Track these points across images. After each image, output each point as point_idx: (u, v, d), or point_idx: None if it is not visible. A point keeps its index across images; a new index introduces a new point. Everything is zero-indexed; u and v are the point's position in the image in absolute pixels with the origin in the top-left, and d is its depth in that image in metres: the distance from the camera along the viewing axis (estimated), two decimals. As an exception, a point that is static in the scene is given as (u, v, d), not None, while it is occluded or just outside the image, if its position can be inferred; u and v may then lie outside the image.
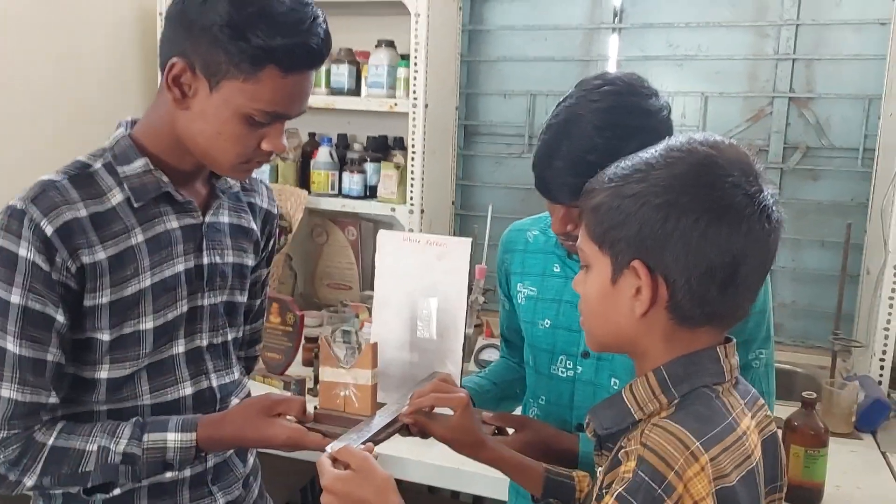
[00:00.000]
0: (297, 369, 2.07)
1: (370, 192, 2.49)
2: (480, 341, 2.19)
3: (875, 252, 2.09)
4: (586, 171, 1.07)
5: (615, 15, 2.53)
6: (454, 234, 2.69)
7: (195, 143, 1.04)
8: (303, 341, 2.07)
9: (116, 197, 1.05)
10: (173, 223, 1.09)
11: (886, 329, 1.98)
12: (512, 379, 1.48)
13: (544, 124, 1.18)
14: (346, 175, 2.48)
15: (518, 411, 1.43)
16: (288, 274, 2.66)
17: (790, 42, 2.35)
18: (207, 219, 1.13)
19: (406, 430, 1.15)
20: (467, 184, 2.77)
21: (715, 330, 0.85)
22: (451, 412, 1.10)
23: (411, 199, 2.38)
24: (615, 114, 1.11)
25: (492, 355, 2.12)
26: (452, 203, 2.69)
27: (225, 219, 1.17)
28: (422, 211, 2.39)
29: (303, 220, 2.52)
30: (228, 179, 1.15)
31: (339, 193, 2.51)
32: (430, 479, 1.78)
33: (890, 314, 1.98)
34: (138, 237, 1.05)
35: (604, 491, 0.80)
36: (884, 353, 1.99)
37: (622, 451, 0.80)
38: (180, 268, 1.09)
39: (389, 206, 2.41)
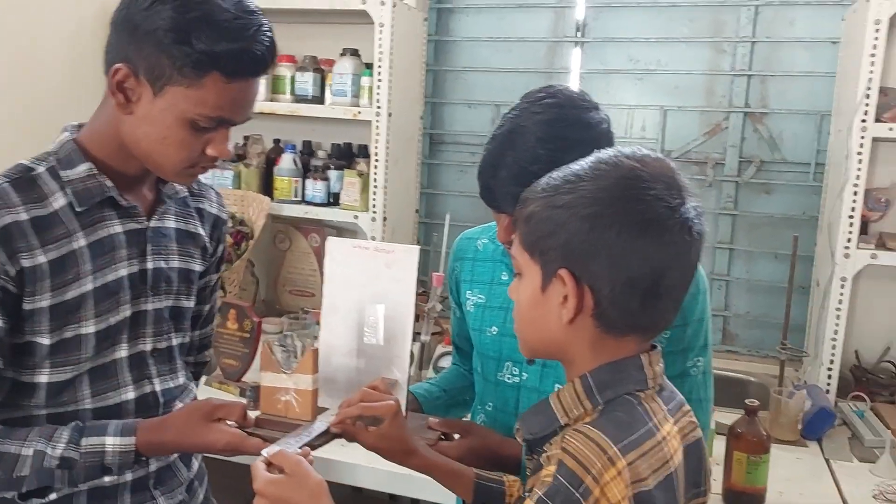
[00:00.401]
0: (253, 375, 2.06)
1: (333, 200, 2.50)
2: (439, 349, 2.20)
3: (824, 264, 2.15)
4: (529, 181, 1.10)
5: (578, 29, 2.58)
6: (418, 242, 2.71)
7: (139, 147, 1.04)
8: (260, 348, 2.07)
9: (59, 201, 1.05)
10: (117, 228, 1.09)
11: (834, 339, 2.03)
12: (462, 386, 1.49)
13: (490, 134, 1.21)
14: (309, 182, 2.49)
15: (468, 418, 1.45)
16: (250, 280, 2.66)
17: (746, 58, 2.41)
18: (152, 223, 1.13)
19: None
20: (432, 192, 2.79)
21: (639, 338, 0.88)
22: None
23: (374, 206, 2.40)
24: (557, 126, 1.14)
25: (450, 362, 2.13)
26: (416, 211, 2.71)
27: (171, 224, 1.17)
28: (384, 219, 2.41)
29: (266, 227, 2.52)
30: (175, 184, 1.16)
31: (303, 200, 2.51)
32: (389, 487, 1.78)
33: (837, 325, 2.03)
34: (80, 241, 1.05)
35: (526, 493, 0.82)
36: (831, 362, 2.04)
37: (544, 455, 0.82)
38: (123, 272, 1.10)
39: (352, 213, 2.43)
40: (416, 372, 2.16)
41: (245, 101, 1.04)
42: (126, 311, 1.11)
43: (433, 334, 2.16)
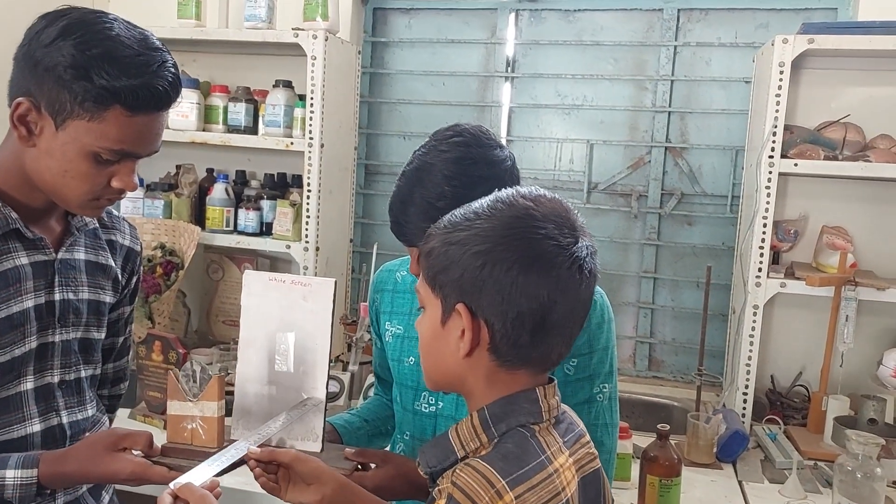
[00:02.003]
0: (181, 407, 2.04)
1: (266, 229, 2.50)
2: (369, 379, 2.21)
3: (739, 292, 2.24)
4: (436, 216, 1.14)
5: (508, 64, 2.66)
6: (352, 272, 2.73)
7: (43, 180, 1.05)
8: (169, 375, 2.05)
9: None
10: (23, 259, 1.09)
11: (748, 365, 2.12)
12: (384, 416, 1.51)
13: (400, 172, 1.25)
14: (241, 212, 2.49)
15: (388, 448, 1.47)
16: (181, 310, 2.63)
17: (666, 96, 2.52)
18: (61, 255, 1.13)
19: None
20: (367, 222, 2.82)
21: (533, 372, 0.91)
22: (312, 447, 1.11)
23: (307, 236, 2.41)
24: (462, 164, 1.19)
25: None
26: (350, 241, 2.73)
27: (81, 255, 1.17)
28: (317, 248, 2.42)
29: (198, 257, 2.51)
30: (84, 217, 1.16)
31: (235, 230, 2.51)
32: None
33: (751, 350, 2.12)
34: (-17, 273, 1.05)
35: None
36: (746, 387, 2.12)
37: (436, 488, 0.84)
38: (29, 304, 1.09)
39: (284, 243, 2.43)
40: (346, 401, 2.16)
41: (149, 134, 1.06)
42: (32, 343, 1.10)
43: (362, 363, 2.18)
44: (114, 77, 0.98)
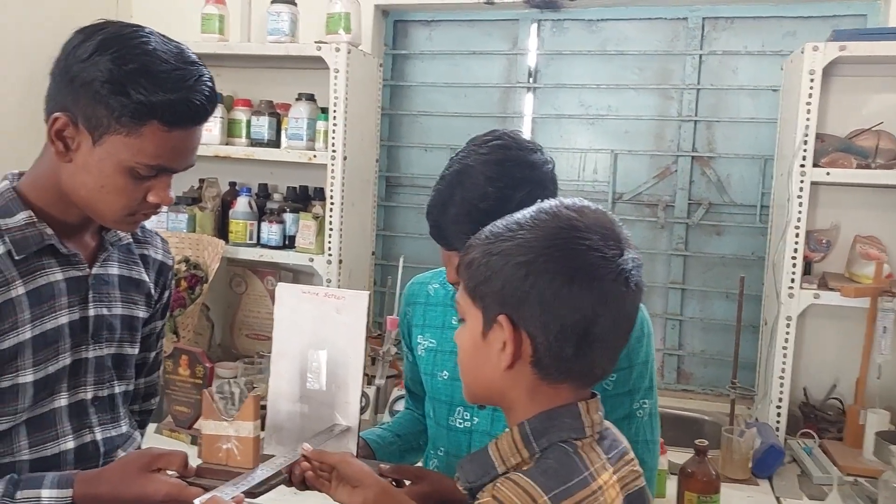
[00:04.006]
0: (206, 422, 2.03)
1: (289, 242, 2.49)
2: (395, 392, 2.18)
3: (771, 304, 2.20)
4: (479, 218, 1.13)
5: (530, 75, 2.64)
6: (374, 284, 2.71)
7: (79, 195, 1.04)
8: (204, 395, 2.03)
9: None
10: (57, 275, 1.08)
11: (781, 378, 2.08)
12: (416, 430, 1.49)
13: (439, 177, 1.23)
14: (264, 225, 2.48)
15: (420, 463, 1.44)
16: (205, 324, 2.62)
17: (692, 105, 2.49)
18: (95, 271, 1.12)
19: (304, 485, 1.15)
20: (388, 234, 2.80)
21: (576, 386, 0.88)
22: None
23: (330, 249, 2.40)
24: (504, 166, 1.17)
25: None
26: (373, 253, 2.71)
27: (114, 271, 1.16)
28: (340, 261, 2.41)
29: (221, 270, 2.50)
30: (118, 232, 1.15)
31: (258, 243, 2.50)
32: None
33: (784, 363, 2.07)
34: (19, 290, 1.04)
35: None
36: (780, 400, 2.08)
37: (476, 502, 0.82)
38: (63, 320, 1.08)
39: (308, 256, 2.42)
40: (372, 416, 2.14)
41: (185, 149, 1.05)
42: (66, 360, 1.09)
43: (388, 377, 2.15)
44: (151, 92, 0.97)
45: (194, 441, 1.93)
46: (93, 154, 1.01)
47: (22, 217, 1.05)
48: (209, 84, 1.03)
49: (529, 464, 0.85)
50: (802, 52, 2.01)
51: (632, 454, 0.95)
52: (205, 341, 2.61)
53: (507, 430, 1.15)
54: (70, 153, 1.02)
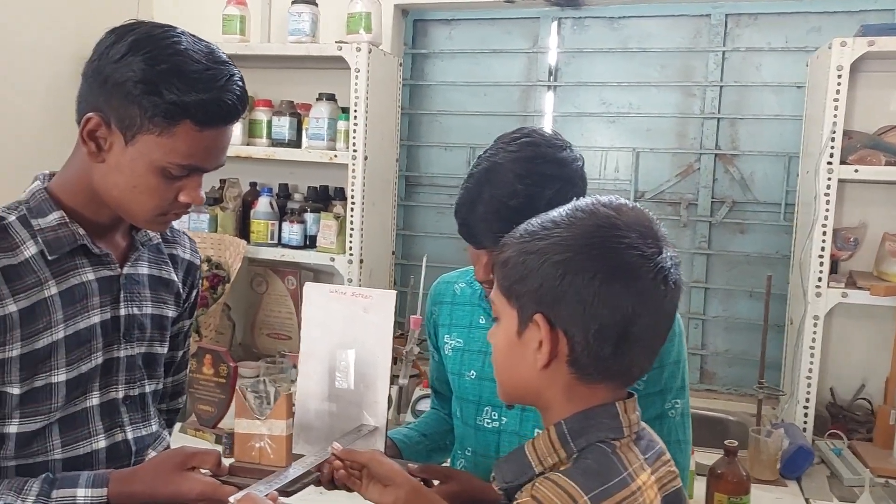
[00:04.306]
0: (230, 422, 2.03)
1: (310, 242, 2.49)
2: (417, 392, 2.18)
3: (797, 303, 2.18)
4: (508, 215, 1.12)
5: (550, 73, 2.63)
6: (394, 284, 2.71)
7: (111, 195, 1.04)
8: (236, 393, 2.04)
9: (30, 249, 1.04)
10: (89, 275, 1.08)
11: (809, 377, 2.05)
12: (442, 430, 1.48)
13: (466, 174, 1.22)
14: (285, 225, 2.49)
15: (447, 463, 1.43)
16: (226, 323, 2.63)
17: (715, 102, 2.47)
18: (125, 270, 1.12)
19: (332, 484, 1.15)
20: (408, 233, 2.80)
21: (614, 385, 0.88)
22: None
23: (350, 248, 2.40)
24: (533, 163, 1.16)
25: (429, 406, 2.11)
26: (393, 253, 2.71)
27: (144, 270, 1.16)
28: (361, 261, 2.41)
29: (242, 270, 2.51)
30: (148, 231, 1.16)
31: (279, 243, 2.51)
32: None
33: (812, 363, 2.05)
34: (52, 289, 1.04)
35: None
36: (807, 400, 2.05)
37: (515, 502, 0.81)
38: (95, 319, 1.08)
39: (329, 255, 2.42)
40: (395, 415, 2.14)
41: (217, 148, 1.05)
42: (98, 359, 1.09)
43: (411, 377, 2.15)
44: (183, 92, 0.97)
45: (218, 440, 1.94)
46: (125, 154, 1.01)
47: (54, 217, 1.05)
48: (240, 83, 1.03)
49: (567, 464, 0.84)
50: (830, 48, 1.98)
51: (668, 454, 0.93)
52: (226, 341, 2.62)
53: (544, 430, 1.14)
54: (102, 153, 1.02)
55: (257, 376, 2.36)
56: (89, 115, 1.00)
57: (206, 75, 0.99)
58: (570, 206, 0.90)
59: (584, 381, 0.86)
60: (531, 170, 1.16)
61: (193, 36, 1.04)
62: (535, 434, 1.25)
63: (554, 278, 0.83)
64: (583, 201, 0.90)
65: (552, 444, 0.85)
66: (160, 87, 0.97)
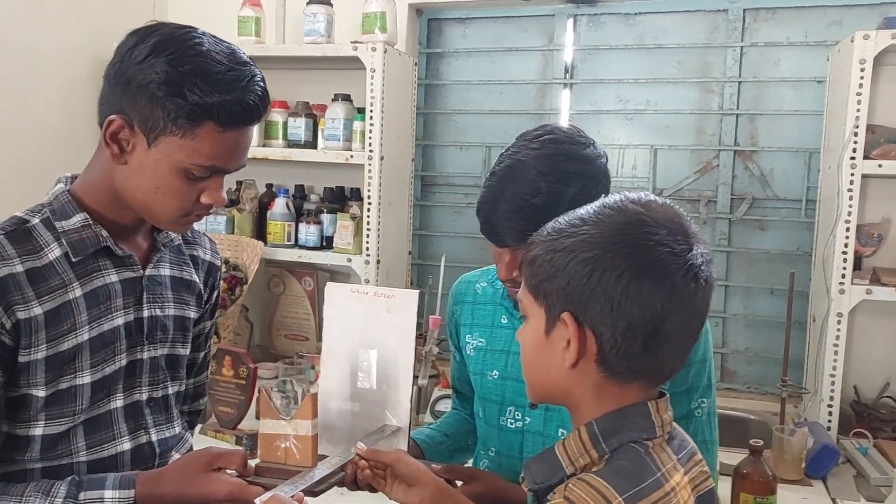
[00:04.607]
0: (250, 423, 2.03)
1: (326, 243, 2.49)
2: (436, 392, 2.18)
3: (819, 300, 2.15)
4: (531, 213, 1.11)
5: (566, 71, 2.61)
6: (411, 284, 2.70)
7: (134, 197, 1.04)
8: (256, 394, 2.04)
9: (54, 252, 1.04)
10: (112, 277, 1.08)
11: (833, 375, 2.02)
12: (464, 430, 1.47)
13: (488, 172, 1.21)
14: (302, 226, 2.49)
15: (470, 463, 1.43)
16: (244, 325, 2.63)
17: (733, 98, 2.44)
18: (148, 272, 1.12)
19: (355, 485, 1.14)
20: (424, 234, 2.79)
21: (645, 385, 0.86)
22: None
23: (367, 249, 2.39)
24: (556, 160, 1.15)
25: (448, 406, 2.10)
26: (409, 253, 2.70)
27: (166, 272, 1.16)
28: (378, 261, 2.40)
29: (259, 271, 2.51)
30: (170, 233, 1.15)
31: (296, 244, 2.51)
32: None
33: (835, 361, 2.02)
34: (76, 291, 1.04)
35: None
36: (831, 399, 2.03)
37: (547, 503, 0.80)
38: (119, 321, 1.08)
39: (345, 256, 2.42)
40: (414, 416, 2.13)
41: (239, 149, 1.04)
42: (122, 361, 1.09)
43: (430, 377, 2.14)
44: (206, 93, 0.97)
45: (238, 441, 1.94)
46: (148, 156, 1.00)
47: (78, 219, 1.05)
48: (261, 84, 1.03)
49: (599, 465, 0.83)
50: (852, 41, 1.95)
51: (700, 454, 0.92)
52: (244, 342, 2.62)
53: (569, 430, 1.13)
54: (125, 155, 1.02)
55: (276, 377, 2.36)
56: (112, 117, 1.00)
57: (229, 76, 0.99)
58: (598, 203, 0.89)
59: (613, 380, 0.84)
60: (554, 167, 1.15)
61: (214, 37, 1.04)
62: (560, 434, 1.26)
63: (582, 276, 0.82)
64: (611, 198, 0.89)
65: (583, 444, 0.84)
66: (183, 89, 0.96)
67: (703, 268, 0.84)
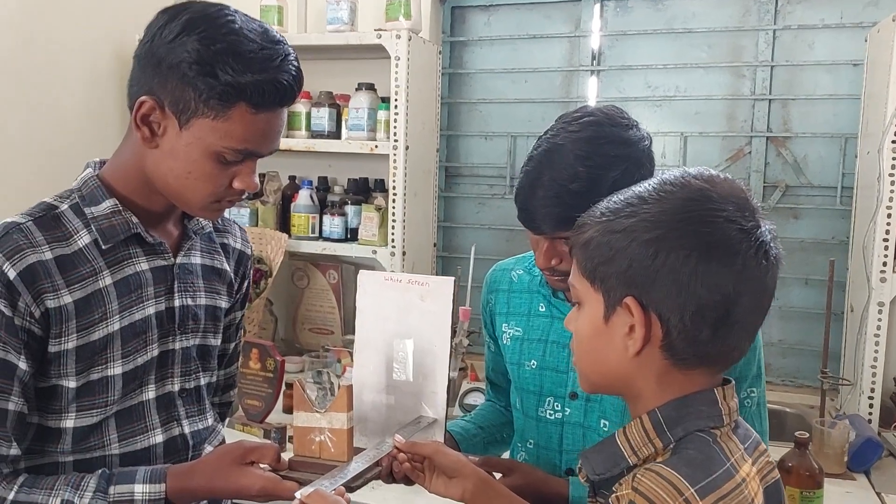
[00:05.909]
0: (277, 416, 2.01)
1: (351, 235, 2.46)
2: (465, 385, 2.14)
3: (858, 289, 2.09)
4: (569, 199, 1.07)
5: (593, 58, 2.56)
6: (436, 275, 2.66)
7: (165, 182, 1.01)
8: (283, 388, 2.02)
9: (83, 238, 1.01)
10: (143, 265, 1.05)
11: (874, 367, 1.96)
12: (499, 423, 1.44)
13: (527, 157, 1.17)
14: (326, 218, 2.46)
15: (506, 455, 1.39)
16: (268, 318, 2.61)
17: (766, 83, 2.38)
18: (179, 260, 1.09)
19: (391, 478, 1.11)
20: (449, 225, 2.75)
21: (710, 371, 0.82)
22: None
23: (393, 241, 2.36)
24: (595, 143, 1.10)
25: (477, 399, 2.07)
26: (434, 245, 2.66)
27: (197, 260, 1.13)
28: (403, 253, 2.37)
29: (283, 264, 2.48)
30: (201, 220, 1.12)
31: (320, 236, 2.48)
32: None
33: (876, 351, 1.96)
34: (106, 280, 1.01)
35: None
36: (872, 390, 1.97)
37: (613, 496, 0.76)
38: (150, 310, 1.06)
39: (371, 248, 2.39)
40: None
41: (272, 132, 1.01)
42: (154, 351, 1.07)
43: (459, 370, 2.10)
44: (238, 73, 0.94)
45: (267, 435, 1.91)
46: (180, 139, 0.97)
47: (108, 205, 1.02)
48: (295, 63, 0.99)
49: (664, 455, 0.79)
50: (894, 20, 1.89)
51: (764, 445, 0.88)
52: (268, 335, 2.60)
53: (610, 421, 1.08)
54: (156, 139, 0.99)
55: (302, 370, 2.34)
56: (143, 98, 0.97)
57: (262, 55, 0.95)
58: (655, 179, 0.84)
59: (678, 366, 0.80)
60: (593, 151, 1.10)
61: (246, 15, 1.01)
62: (601, 425, 1.22)
63: (645, 258, 0.78)
64: (669, 174, 0.84)
65: (646, 433, 0.80)
66: (216, 68, 0.93)
67: (772, 245, 0.80)
